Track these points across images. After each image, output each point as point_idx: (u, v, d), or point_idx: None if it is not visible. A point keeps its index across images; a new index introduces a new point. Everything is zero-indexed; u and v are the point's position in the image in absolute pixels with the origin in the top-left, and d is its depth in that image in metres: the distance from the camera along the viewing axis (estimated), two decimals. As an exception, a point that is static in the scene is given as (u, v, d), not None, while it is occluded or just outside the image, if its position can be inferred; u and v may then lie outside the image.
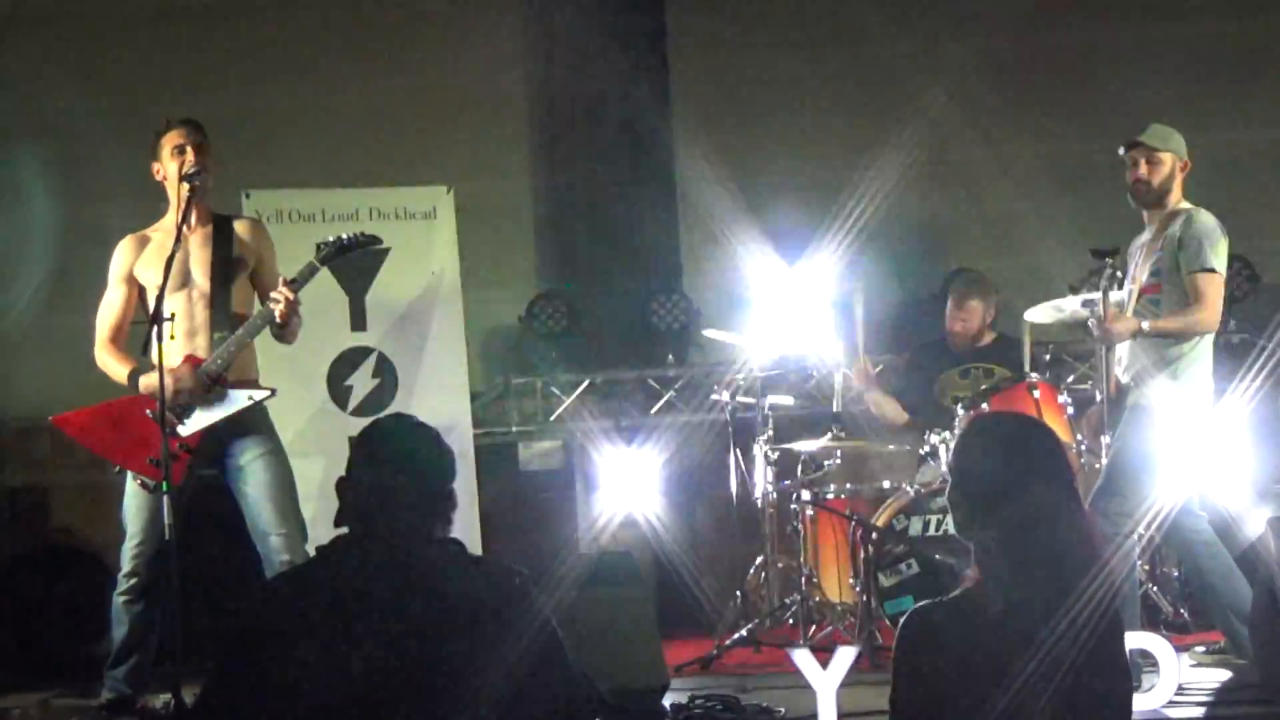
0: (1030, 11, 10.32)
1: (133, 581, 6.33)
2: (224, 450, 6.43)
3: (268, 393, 6.48)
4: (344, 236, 6.61)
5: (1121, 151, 6.81)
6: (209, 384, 6.33)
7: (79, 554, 8.23)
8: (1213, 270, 6.57)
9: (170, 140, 6.51)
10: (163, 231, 6.53)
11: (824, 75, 10.33)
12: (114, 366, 6.49)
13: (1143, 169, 6.74)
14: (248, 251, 6.61)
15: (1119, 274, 6.78)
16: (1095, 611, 3.52)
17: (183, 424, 6.31)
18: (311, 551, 3.99)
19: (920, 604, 3.70)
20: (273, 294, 6.36)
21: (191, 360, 6.34)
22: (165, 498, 5.90)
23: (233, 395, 6.39)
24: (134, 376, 6.37)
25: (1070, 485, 3.69)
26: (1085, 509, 3.71)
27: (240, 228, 6.67)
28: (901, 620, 3.69)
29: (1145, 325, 6.58)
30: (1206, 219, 6.65)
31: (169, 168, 6.49)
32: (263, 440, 6.46)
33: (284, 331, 6.49)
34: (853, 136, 10.29)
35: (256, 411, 6.46)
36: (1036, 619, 3.48)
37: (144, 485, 6.25)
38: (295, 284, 6.37)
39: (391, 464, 3.65)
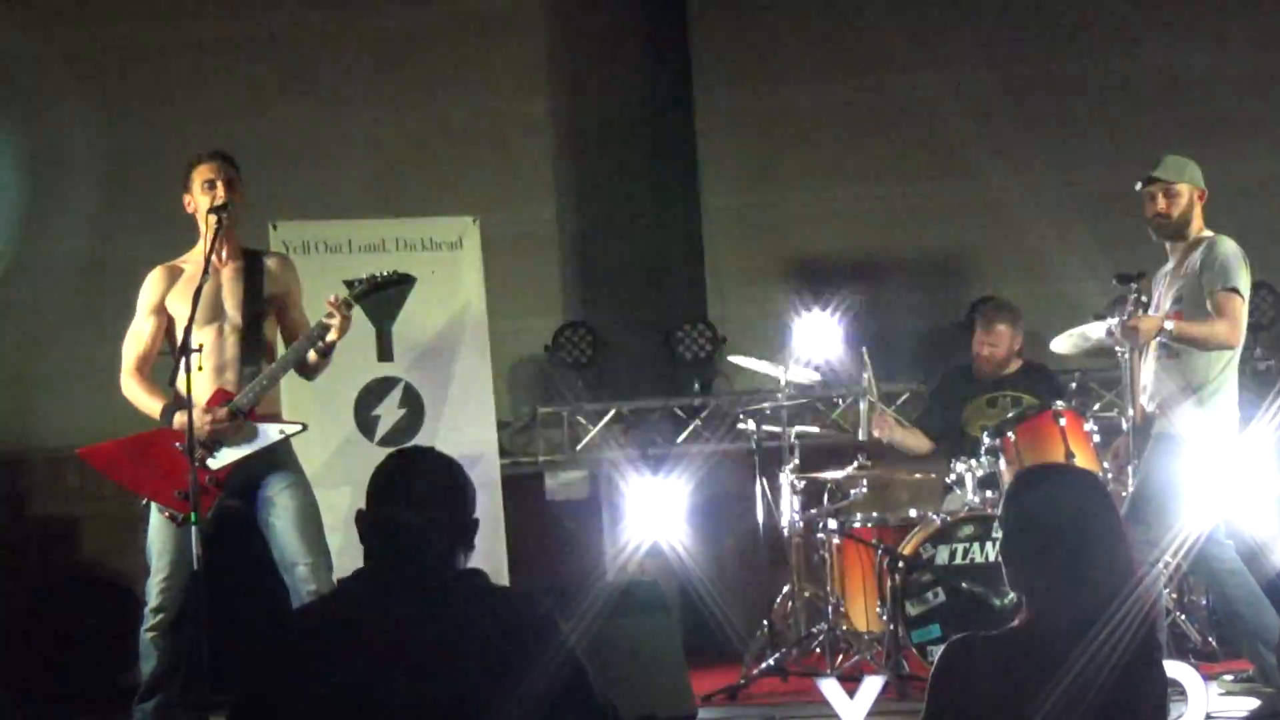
0: (1055, 40, 10.35)
1: (160, 617, 6.30)
2: (250, 482, 6.43)
3: (299, 427, 6.47)
4: (378, 274, 6.60)
5: (1138, 187, 6.80)
6: (241, 418, 6.34)
7: (108, 585, 8.25)
8: (1235, 290, 6.56)
9: (201, 173, 6.50)
10: (193, 263, 6.51)
11: (850, 104, 10.35)
12: (142, 398, 6.49)
13: (1161, 203, 6.74)
14: (278, 288, 6.62)
15: (1144, 298, 6.77)
16: (1134, 638, 3.52)
17: (213, 457, 6.30)
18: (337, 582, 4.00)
19: (962, 635, 3.69)
20: (329, 306, 6.34)
21: (222, 395, 6.36)
22: (194, 529, 5.90)
23: (264, 430, 6.39)
24: (168, 413, 6.32)
25: (1121, 529, 3.69)
26: (1133, 552, 3.71)
27: (271, 264, 6.68)
28: (943, 649, 3.67)
29: (1169, 325, 6.56)
30: (1229, 245, 6.65)
31: (200, 200, 6.49)
32: (288, 472, 6.47)
33: (311, 368, 6.51)
34: (878, 165, 10.32)
35: (282, 444, 6.47)
36: (1091, 659, 3.48)
37: (172, 518, 6.24)
38: (348, 304, 6.37)
39: (410, 497, 3.65)
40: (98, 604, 8.03)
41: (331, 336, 6.34)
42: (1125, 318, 6.63)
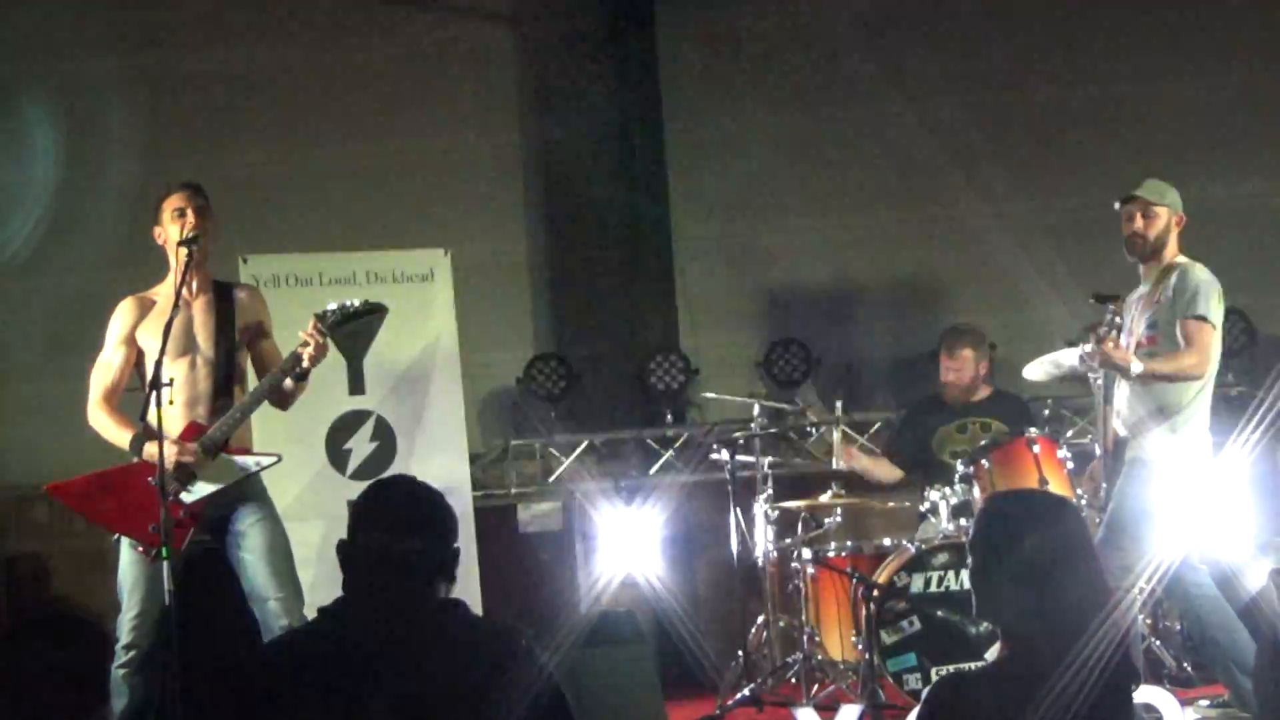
0: (1024, 69, 10.39)
1: (131, 654, 6.24)
2: (221, 517, 6.40)
3: (274, 459, 6.45)
4: (349, 305, 6.57)
5: (1117, 206, 6.84)
6: (213, 452, 6.31)
7: (78, 622, 8.17)
8: (1204, 318, 6.59)
9: (171, 203, 6.48)
10: (164, 295, 6.47)
11: (821, 134, 10.37)
12: (111, 428, 6.44)
13: (1138, 223, 6.76)
14: (250, 321, 6.60)
15: (1118, 319, 6.78)
16: (1110, 664, 3.51)
17: (187, 491, 6.27)
18: (311, 615, 3.98)
19: (948, 674, 3.68)
20: (302, 335, 6.32)
21: (194, 429, 6.32)
22: (165, 565, 5.85)
23: (239, 463, 6.36)
24: (136, 443, 6.31)
25: (1093, 554, 3.68)
26: (1107, 577, 3.70)
27: (242, 296, 6.67)
28: (929, 689, 3.66)
29: (1137, 369, 6.57)
30: (1202, 272, 6.67)
31: (170, 231, 6.46)
32: (258, 505, 6.44)
33: (283, 397, 6.49)
34: (850, 195, 10.34)
35: (253, 477, 6.44)
36: (1068, 686, 3.47)
37: (145, 552, 6.20)
38: (321, 331, 6.35)
39: (394, 525, 3.64)
40: (68, 642, 7.94)
41: (305, 364, 6.32)
42: (1098, 340, 6.64)
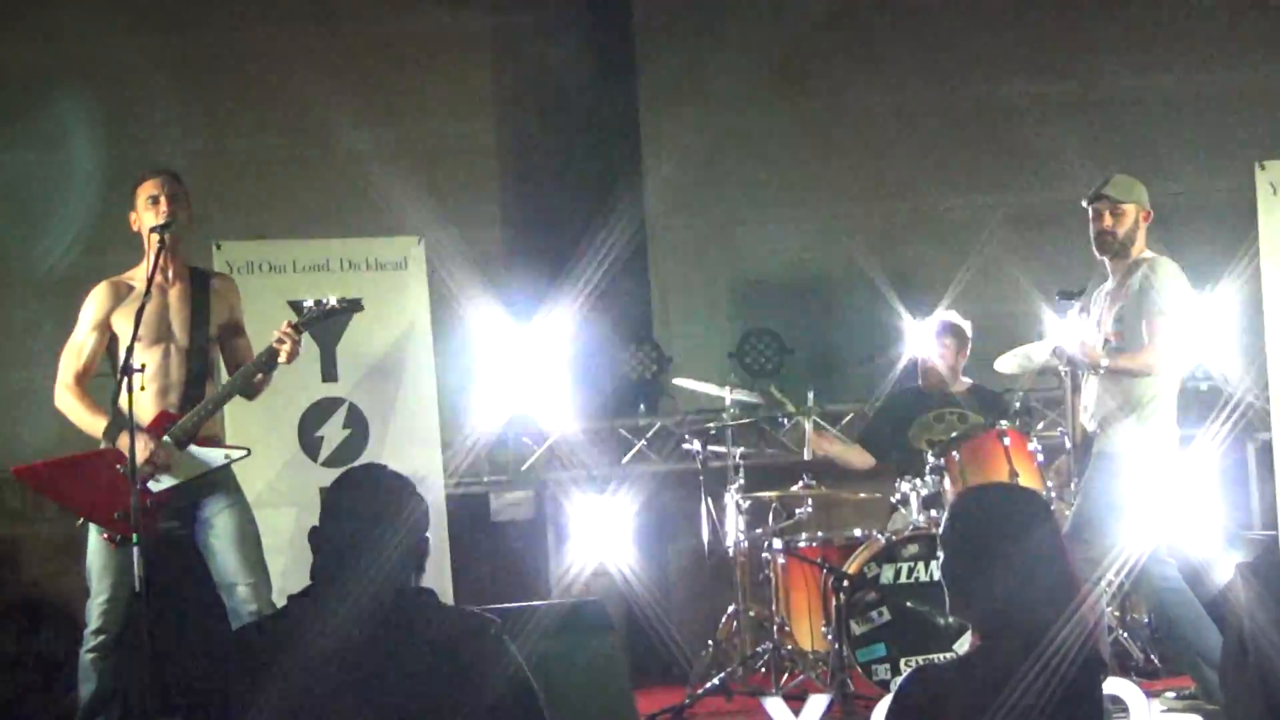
0: (997, 63, 10.42)
1: (100, 639, 6.23)
2: (189, 504, 6.39)
3: (244, 452, 6.45)
4: (325, 301, 6.57)
5: (1085, 203, 6.85)
6: (184, 443, 6.30)
7: (49, 607, 8.17)
8: (1166, 314, 6.62)
9: (146, 189, 6.45)
10: (140, 280, 6.44)
11: (795, 126, 10.39)
12: (80, 413, 6.40)
13: (1107, 220, 6.78)
14: (224, 310, 6.59)
15: (1085, 313, 6.81)
16: (1079, 655, 3.53)
17: (156, 480, 6.25)
18: (280, 602, 3.98)
19: (919, 666, 3.70)
20: (278, 333, 6.32)
21: (165, 417, 6.31)
22: (135, 550, 5.84)
23: (208, 455, 6.36)
24: (111, 432, 6.26)
25: (1062, 546, 3.70)
26: (1075, 569, 3.72)
27: (218, 285, 6.65)
28: (900, 680, 3.67)
29: (1105, 362, 6.61)
30: (1169, 267, 6.70)
31: (144, 217, 6.43)
32: (227, 494, 6.43)
33: (253, 387, 6.49)
34: (823, 187, 10.36)
35: (222, 465, 6.43)
36: (1037, 677, 3.49)
37: (110, 539, 6.18)
38: (298, 327, 6.35)
39: (365, 513, 3.64)
40: (38, 627, 7.95)
41: (282, 360, 6.33)
42: (1069, 335, 6.68)
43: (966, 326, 8.59)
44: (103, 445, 6.30)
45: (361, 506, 3.67)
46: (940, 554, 3.77)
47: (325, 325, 7.16)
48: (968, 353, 8.57)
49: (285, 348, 6.30)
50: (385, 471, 3.80)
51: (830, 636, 7.53)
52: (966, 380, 8.57)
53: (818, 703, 5.75)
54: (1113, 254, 6.82)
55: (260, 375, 6.42)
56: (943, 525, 3.81)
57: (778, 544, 7.99)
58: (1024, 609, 3.56)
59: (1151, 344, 6.61)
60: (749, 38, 10.47)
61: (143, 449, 6.08)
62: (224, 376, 6.58)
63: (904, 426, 8.50)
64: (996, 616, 3.59)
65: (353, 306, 6.73)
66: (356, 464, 4.06)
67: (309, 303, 6.53)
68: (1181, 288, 6.67)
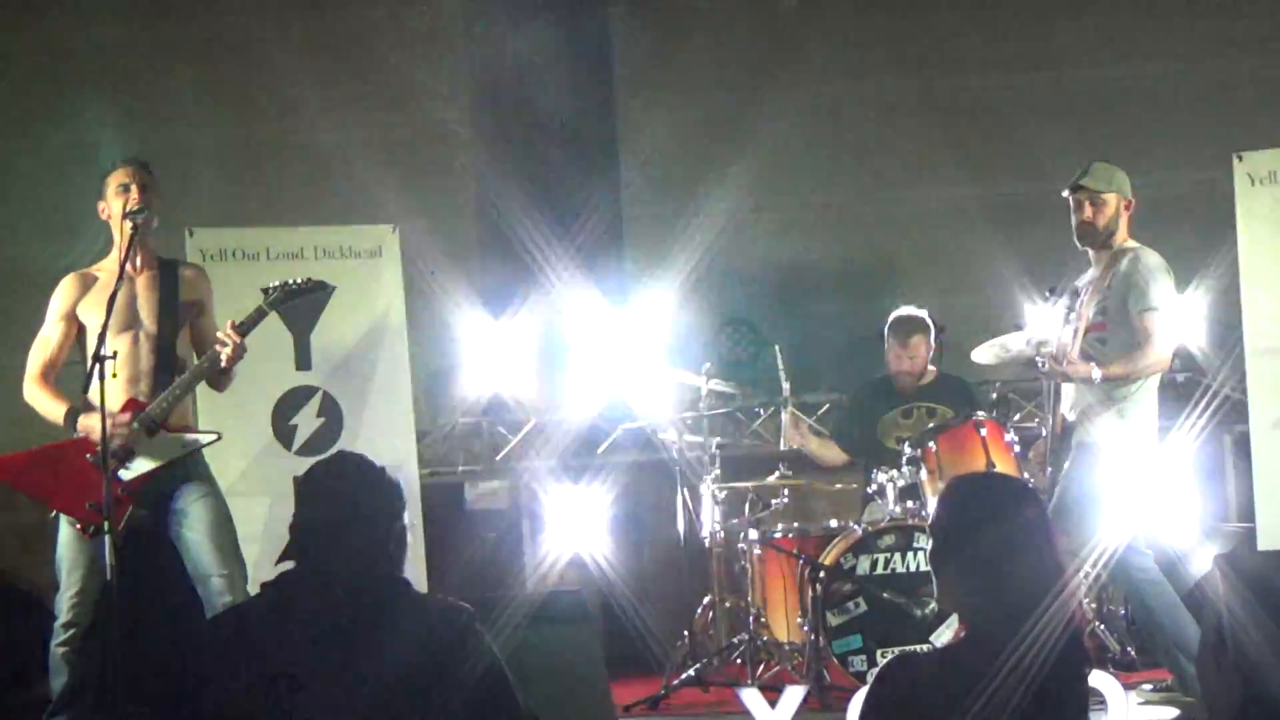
0: (974, 53, 10.42)
1: (71, 631, 6.20)
2: (162, 494, 6.34)
3: (214, 437, 6.43)
4: (292, 281, 6.55)
5: (1065, 194, 6.83)
6: (153, 430, 6.25)
7: (20, 597, 8.11)
8: (1156, 309, 6.61)
9: (116, 178, 6.43)
10: (107, 271, 6.43)
11: (770, 116, 10.35)
12: (46, 404, 6.37)
13: (1087, 211, 6.76)
14: (193, 298, 6.56)
15: (1073, 313, 6.79)
16: (1061, 643, 3.52)
17: (126, 468, 6.20)
18: (254, 591, 3.95)
19: (900, 654, 3.69)
20: (220, 336, 6.30)
21: (134, 405, 6.26)
22: (107, 539, 5.79)
23: (178, 441, 6.32)
24: (71, 416, 6.25)
25: (1049, 532, 3.70)
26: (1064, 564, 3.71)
27: (187, 273, 6.62)
28: (880, 668, 3.66)
29: (1097, 376, 6.59)
30: (1153, 258, 6.69)
31: (114, 206, 6.41)
32: (201, 483, 6.39)
33: (220, 379, 6.45)
34: (799, 177, 10.34)
35: (194, 454, 6.39)
36: (1019, 663, 3.48)
37: (83, 529, 6.13)
38: (243, 328, 6.32)
39: (339, 502, 3.62)
40: (9, 617, 7.88)
41: (223, 364, 6.29)
42: (1047, 344, 6.67)
43: (923, 313, 8.52)
44: (66, 430, 6.25)
45: (336, 495, 3.65)
46: (930, 541, 3.76)
47: (298, 310, 7.13)
48: (933, 340, 8.48)
49: (226, 350, 6.27)
50: (360, 459, 3.79)
51: (806, 627, 7.51)
52: (933, 369, 8.53)
53: (794, 694, 5.73)
54: (1094, 244, 6.81)
55: (218, 373, 6.38)
56: (933, 514, 3.80)
57: (754, 535, 7.97)
58: (1012, 599, 3.55)
59: (1149, 343, 6.59)
60: (725, 27, 10.45)
61: (111, 428, 6.03)
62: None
63: (872, 424, 8.47)
64: (984, 606, 3.58)
65: (320, 287, 6.70)
66: (330, 452, 4.02)
67: (275, 283, 6.51)
68: (1167, 280, 6.66)
